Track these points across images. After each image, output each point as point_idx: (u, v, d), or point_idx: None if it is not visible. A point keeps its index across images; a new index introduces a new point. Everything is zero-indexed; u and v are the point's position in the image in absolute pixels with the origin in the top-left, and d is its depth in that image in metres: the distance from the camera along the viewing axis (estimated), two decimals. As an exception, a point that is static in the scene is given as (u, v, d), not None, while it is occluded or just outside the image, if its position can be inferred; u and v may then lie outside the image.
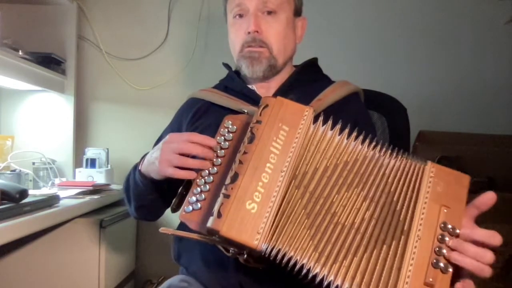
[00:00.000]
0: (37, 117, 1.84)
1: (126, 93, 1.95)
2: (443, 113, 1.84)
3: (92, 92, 1.97)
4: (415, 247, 0.66)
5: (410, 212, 0.70)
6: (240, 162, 0.74)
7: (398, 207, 0.72)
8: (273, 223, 0.71)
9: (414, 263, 0.65)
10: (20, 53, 1.51)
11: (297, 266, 0.69)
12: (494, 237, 0.66)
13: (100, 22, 1.95)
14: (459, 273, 0.66)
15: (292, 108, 0.80)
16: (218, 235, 0.70)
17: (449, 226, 0.67)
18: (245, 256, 0.79)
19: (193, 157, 0.82)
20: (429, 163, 0.74)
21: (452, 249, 0.66)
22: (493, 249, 0.65)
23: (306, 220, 0.72)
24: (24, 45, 1.58)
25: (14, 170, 1.56)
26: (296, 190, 0.75)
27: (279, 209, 0.72)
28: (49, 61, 1.70)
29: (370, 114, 1.13)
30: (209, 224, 0.70)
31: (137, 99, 1.95)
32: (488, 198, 0.68)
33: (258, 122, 0.78)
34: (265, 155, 0.74)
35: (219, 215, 0.70)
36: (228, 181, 0.73)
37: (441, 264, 0.65)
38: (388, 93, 1.24)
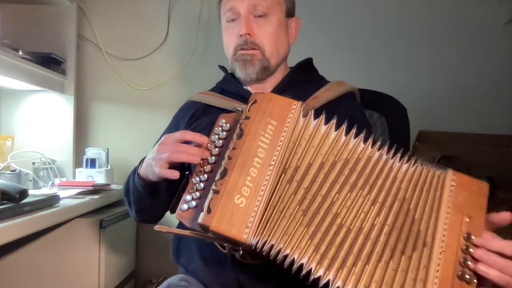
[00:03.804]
0: (37, 117, 1.84)
1: (126, 93, 1.95)
2: (443, 113, 1.84)
3: (92, 92, 1.97)
4: (440, 259, 0.66)
5: (432, 222, 0.69)
6: (229, 157, 0.74)
7: (417, 217, 0.70)
8: (263, 217, 0.71)
9: (439, 275, 0.65)
10: (20, 53, 1.51)
11: (295, 265, 0.68)
12: (510, 247, 0.65)
13: (100, 22, 1.95)
14: (481, 282, 0.66)
15: (280, 102, 0.80)
16: (209, 231, 0.70)
17: (473, 237, 0.67)
18: (241, 252, 0.79)
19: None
20: (450, 171, 0.73)
21: (478, 260, 0.65)
22: None
23: (303, 217, 0.71)
24: (24, 45, 1.58)
25: (14, 170, 1.56)
26: (288, 185, 0.75)
27: (268, 203, 0.72)
28: (49, 61, 1.70)
29: (366, 115, 1.13)
30: (200, 220, 0.71)
31: (137, 99, 1.95)
32: (504, 218, 0.68)
33: (247, 118, 0.78)
34: (253, 150, 0.75)
35: (209, 210, 0.70)
36: (217, 177, 0.73)
37: (467, 276, 0.64)
38: (388, 93, 1.25)
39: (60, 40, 1.82)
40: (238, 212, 0.70)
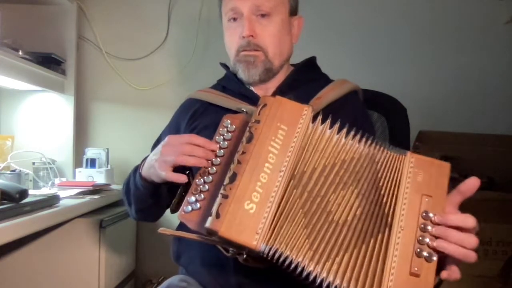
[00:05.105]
0: (37, 117, 1.84)
1: (126, 93, 1.95)
2: (443, 113, 1.84)
3: (92, 92, 1.97)
4: (398, 237, 0.67)
5: (392, 204, 0.71)
6: (239, 162, 0.74)
7: (384, 201, 0.72)
8: (272, 223, 0.71)
9: (398, 254, 0.66)
10: (20, 53, 1.51)
11: (292, 265, 0.69)
12: (467, 220, 0.66)
13: (100, 22, 1.95)
14: (444, 260, 0.67)
15: (291, 107, 0.80)
16: (217, 236, 0.70)
17: (431, 215, 0.68)
18: (244, 256, 0.79)
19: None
20: (409, 153, 0.75)
21: (436, 237, 0.66)
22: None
23: (304, 220, 0.72)
24: (24, 45, 1.58)
25: (14, 170, 1.56)
26: (295, 190, 0.75)
27: (277, 209, 0.72)
28: (49, 61, 1.70)
29: (368, 113, 1.13)
30: (208, 224, 0.70)
31: (137, 99, 1.95)
32: (472, 184, 0.68)
33: (257, 121, 0.78)
34: (264, 155, 0.74)
35: (218, 215, 0.69)
36: (226, 181, 0.73)
37: (425, 253, 0.65)
38: (388, 93, 1.24)
39: (60, 40, 1.82)
40: (248, 218, 0.70)
